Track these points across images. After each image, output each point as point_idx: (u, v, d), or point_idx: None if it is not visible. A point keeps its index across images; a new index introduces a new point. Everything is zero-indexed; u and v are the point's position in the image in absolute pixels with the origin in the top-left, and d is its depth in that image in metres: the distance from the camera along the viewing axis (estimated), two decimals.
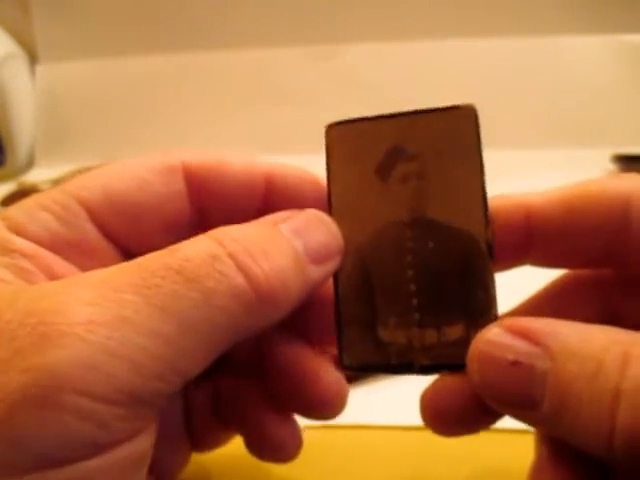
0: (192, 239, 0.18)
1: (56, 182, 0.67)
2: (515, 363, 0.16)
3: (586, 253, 0.20)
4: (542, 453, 0.18)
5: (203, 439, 0.23)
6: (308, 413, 0.21)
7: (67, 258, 0.20)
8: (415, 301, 0.19)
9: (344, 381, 0.21)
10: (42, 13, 0.86)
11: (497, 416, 0.19)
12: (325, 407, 0.20)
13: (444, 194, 0.20)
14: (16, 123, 0.84)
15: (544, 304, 0.21)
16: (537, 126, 0.78)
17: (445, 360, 0.19)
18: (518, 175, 0.62)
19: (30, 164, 0.85)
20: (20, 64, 0.86)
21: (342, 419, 0.21)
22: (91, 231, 0.20)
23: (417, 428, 0.28)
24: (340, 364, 0.20)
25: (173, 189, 0.21)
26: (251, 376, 0.22)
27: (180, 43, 0.84)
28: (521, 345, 0.17)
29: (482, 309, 0.19)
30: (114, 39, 0.86)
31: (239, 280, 0.17)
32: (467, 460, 0.25)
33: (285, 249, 0.18)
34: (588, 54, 0.79)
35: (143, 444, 0.17)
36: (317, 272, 0.19)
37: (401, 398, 0.25)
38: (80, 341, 0.15)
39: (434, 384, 0.19)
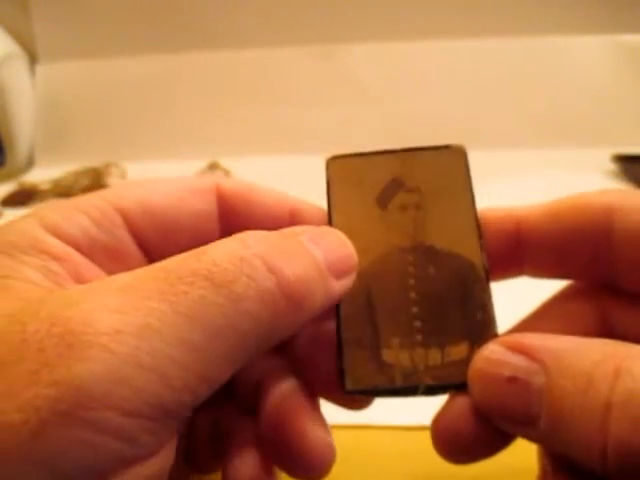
0: (219, 241, 0.17)
1: (56, 182, 0.67)
2: (512, 379, 0.16)
3: (574, 263, 0.20)
4: (545, 467, 0.18)
5: (201, 463, 0.23)
6: (288, 471, 0.20)
7: (99, 263, 0.19)
8: (418, 323, 0.20)
9: (332, 445, 0.20)
10: (42, 13, 0.86)
11: (510, 438, 0.18)
12: (306, 470, 0.20)
13: (441, 224, 0.21)
14: (16, 123, 0.84)
15: (545, 318, 0.22)
16: (537, 126, 0.78)
17: (450, 380, 0.19)
18: (518, 175, 0.62)
19: (30, 164, 0.86)
20: (20, 64, 0.86)
21: (342, 419, 0.21)
22: (127, 239, 0.20)
23: (418, 428, 0.28)
24: (343, 389, 0.19)
25: (206, 209, 0.21)
26: (251, 412, 0.21)
27: (180, 43, 0.84)
28: (518, 361, 0.17)
29: (482, 329, 0.19)
30: (114, 39, 0.86)
31: (268, 284, 0.16)
32: None
33: (308, 257, 0.18)
34: (588, 54, 0.79)
35: (165, 459, 0.16)
36: (337, 286, 0.19)
37: (401, 398, 0.25)
38: (107, 352, 0.14)
39: (442, 412, 0.19)
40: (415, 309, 0.20)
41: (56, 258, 0.18)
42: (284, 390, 0.20)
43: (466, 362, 0.19)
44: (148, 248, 0.21)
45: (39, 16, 0.86)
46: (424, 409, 0.20)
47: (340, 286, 0.19)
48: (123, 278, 0.16)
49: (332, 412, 0.21)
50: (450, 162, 0.22)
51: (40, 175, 0.74)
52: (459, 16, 0.80)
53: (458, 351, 0.19)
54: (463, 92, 0.79)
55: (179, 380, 0.15)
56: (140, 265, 0.20)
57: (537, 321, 0.21)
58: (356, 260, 0.20)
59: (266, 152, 0.76)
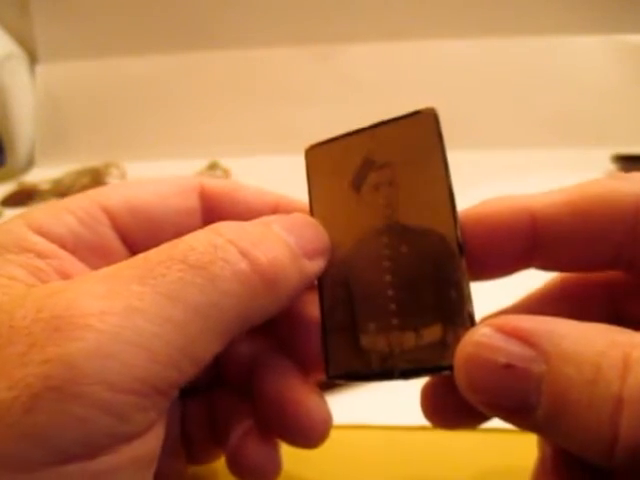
0: (193, 232, 0.18)
1: (56, 182, 0.67)
2: (508, 366, 0.15)
3: (595, 256, 0.19)
4: (545, 453, 0.18)
5: (197, 452, 0.24)
6: (290, 440, 0.21)
7: (85, 260, 0.20)
8: (393, 306, 0.19)
9: (329, 412, 0.21)
10: (42, 13, 0.86)
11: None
12: (306, 436, 0.20)
13: (413, 199, 0.20)
14: (16, 123, 0.84)
15: (540, 305, 0.21)
16: (537, 126, 0.78)
17: (424, 363, 0.19)
18: (518, 175, 0.62)
19: (30, 164, 0.85)
20: (20, 64, 0.86)
21: (342, 419, 0.21)
22: (112, 237, 0.21)
23: (418, 428, 0.28)
24: (326, 375, 0.20)
25: (189, 206, 0.22)
26: (245, 395, 0.22)
27: (180, 43, 0.84)
28: (514, 347, 0.15)
29: (456, 309, 0.18)
30: (114, 39, 0.86)
31: (243, 265, 0.17)
32: (468, 460, 0.25)
33: (279, 242, 0.19)
34: (588, 54, 0.79)
35: (154, 441, 0.16)
36: (310, 266, 0.20)
37: (401, 398, 0.25)
38: (95, 331, 0.15)
39: (434, 378, 0.20)
40: (390, 292, 0.20)
41: (41, 256, 0.19)
42: (278, 367, 0.21)
43: (440, 344, 0.18)
44: (133, 245, 0.21)
45: (39, 16, 0.86)
46: None
47: (313, 266, 0.20)
48: (104, 270, 0.17)
49: (332, 412, 0.21)
50: (420, 130, 0.21)
51: (40, 175, 0.74)
52: (458, 16, 0.80)
53: (432, 333, 0.19)
54: (462, 92, 0.79)
55: (165, 356, 0.15)
56: None
57: (533, 306, 0.21)
58: (327, 240, 0.21)
59: (266, 152, 0.76)
